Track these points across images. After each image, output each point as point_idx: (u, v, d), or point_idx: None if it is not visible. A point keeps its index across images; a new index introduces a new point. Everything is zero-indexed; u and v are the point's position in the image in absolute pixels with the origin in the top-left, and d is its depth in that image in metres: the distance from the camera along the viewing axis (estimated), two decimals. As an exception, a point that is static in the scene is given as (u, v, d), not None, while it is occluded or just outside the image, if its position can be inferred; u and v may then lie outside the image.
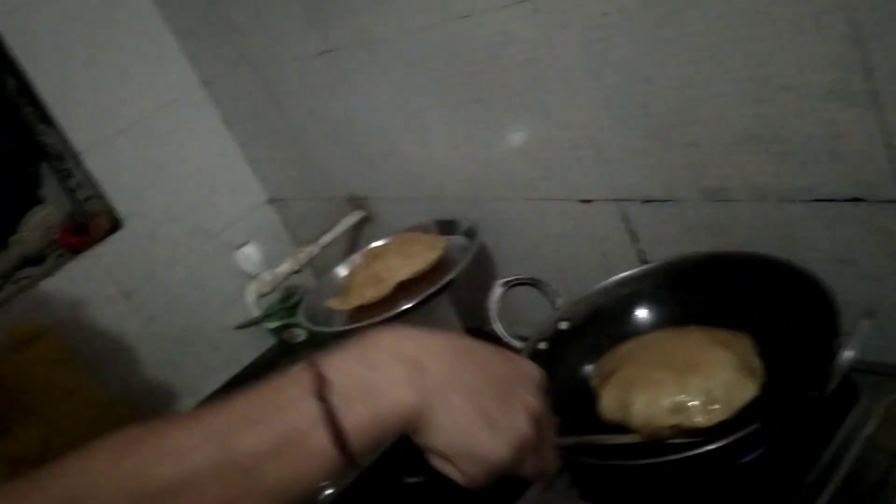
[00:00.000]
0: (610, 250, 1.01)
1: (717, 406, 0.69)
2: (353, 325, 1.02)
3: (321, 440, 0.50)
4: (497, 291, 0.87)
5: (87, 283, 1.40)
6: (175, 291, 1.50)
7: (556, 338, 0.83)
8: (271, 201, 1.61)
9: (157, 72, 1.46)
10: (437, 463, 0.56)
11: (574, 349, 0.83)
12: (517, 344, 0.84)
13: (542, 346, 0.82)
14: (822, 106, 0.72)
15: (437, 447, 0.54)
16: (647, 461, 0.66)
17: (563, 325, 0.84)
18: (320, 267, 1.44)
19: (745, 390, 0.70)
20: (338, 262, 1.29)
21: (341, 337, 1.35)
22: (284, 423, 0.50)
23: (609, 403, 0.75)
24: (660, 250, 0.93)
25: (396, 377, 0.52)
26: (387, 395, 0.52)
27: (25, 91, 1.37)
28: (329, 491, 1.35)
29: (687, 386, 0.70)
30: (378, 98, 1.18)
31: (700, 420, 0.69)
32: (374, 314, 1.02)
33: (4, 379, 1.25)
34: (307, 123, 1.37)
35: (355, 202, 1.39)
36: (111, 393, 1.38)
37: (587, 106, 0.91)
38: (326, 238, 1.35)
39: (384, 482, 1.10)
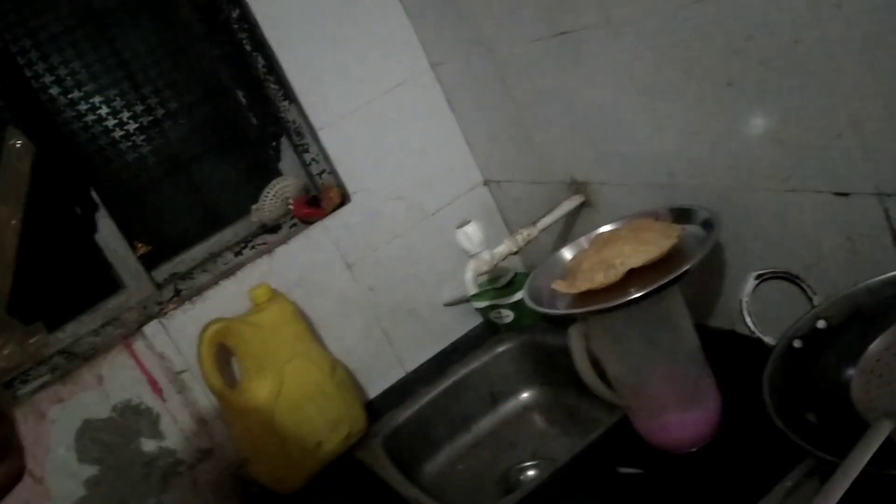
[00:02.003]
0: (865, 248, 0.94)
1: None
2: (580, 310, 1.01)
3: None
4: (750, 284, 0.83)
5: (315, 252, 1.49)
6: (393, 265, 1.56)
7: (813, 336, 0.78)
8: (487, 183, 1.63)
9: (391, 53, 1.51)
10: None
11: (832, 350, 0.78)
12: (769, 340, 0.80)
13: (797, 344, 0.78)
14: None
15: None
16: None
17: (821, 324, 0.79)
18: (531, 251, 1.44)
19: None
20: (550, 247, 1.28)
21: (553, 319, 1.35)
22: None
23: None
24: (928, 250, 0.86)
25: None
26: None
27: (272, 69, 1.47)
28: (531, 464, 1.37)
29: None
30: (611, 80, 1.16)
31: None
32: (602, 300, 1.00)
33: (243, 336, 1.35)
34: (532, 106, 1.37)
35: (575, 186, 1.38)
36: (332, 356, 1.46)
37: (855, 91, 0.85)
38: (545, 221, 1.34)
39: (596, 470, 1.09)
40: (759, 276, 0.82)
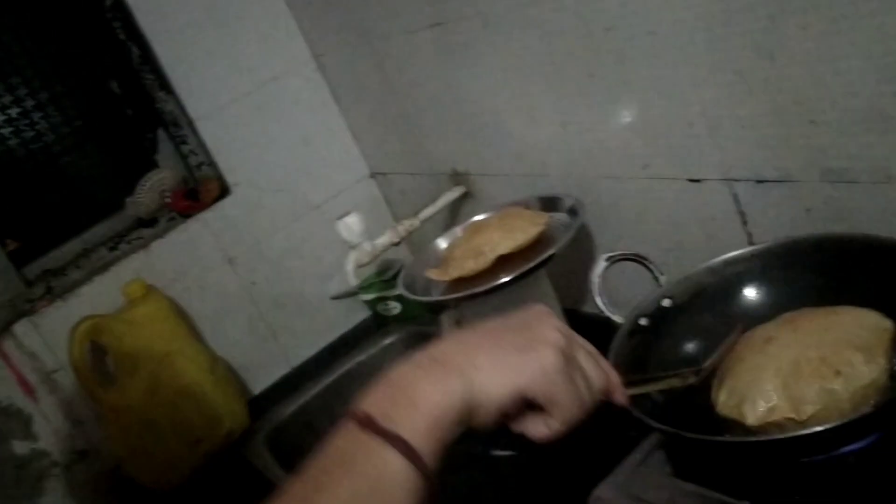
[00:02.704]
0: (717, 232, 0.99)
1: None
2: (454, 296, 1.03)
3: (394, 465, 0.50)
4: (601, 265, 0.86)
5: (194, 246, 1.46)
6: (276, 259, 1.54)
7: (659, 314, 0.82)
8: (374, 175, 1.63)
9: (271, 44, 1.50)
10: (515, 426, 0.58)
11: (676, 327, 0.81)
12: (618, 319, 0.82)
13: (644, 321, 0.81)
14: (961, 82, 0.68)
15: (491, 405, 0.54)
16: (745, 439, 0.64)
17: (667, 303, 0.83)
18: (417, 242, 1.45)
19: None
20: (436, 237, 1.29)
21: (436, 307, 1.36)
22: (358, 471, 0.51)
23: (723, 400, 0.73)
24: (770, 233, 0.90)
25: (429, 379, 0.54)
26: (431, 397, 0.53)
27: (148, 59, 1.43)
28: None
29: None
30: (486, 73, 1.18)
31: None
32: (473, 286, 1.02)
33: (116, 333, 1.31)
34: (413, 98, 1.38)
35: (457, 178, 1.40)
36: (212, 352, 1.43)
37: (706, 82, 0.89)
38: (427, 212, 1.35)
39: (472, 454, 1.11)
40: (609, 258, 0.85)
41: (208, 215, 1.47)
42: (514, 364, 0.55)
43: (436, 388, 0.53)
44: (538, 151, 1.18)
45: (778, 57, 0.80)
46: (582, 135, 1.09)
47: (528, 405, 0.57)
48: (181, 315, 1.41)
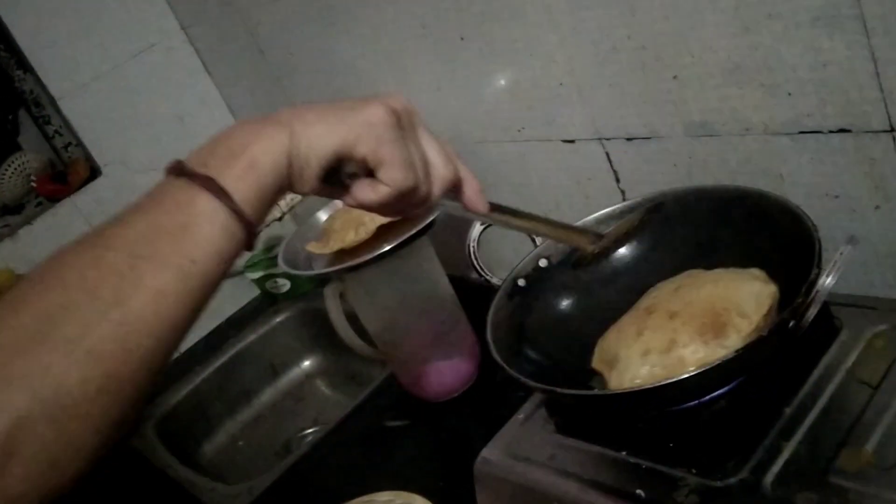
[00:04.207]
0: (593, 191, 1.00)
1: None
2: (333, 268, 1.01)
3: (203, 204, 0.49)
4: (476, 229, 0.85)
5: (65, 232, 1.38)
6: (156, 241, 1.48)
7: (536, 275, 0.82)
8: (254, 150, 1.58)
9: (134, 15, 1.43)
10: (349, 199, 0.57)
11: (552, 286, 0.82)
12: (496, 280, 0.82)
13: (521, 283, 0.81)
14: (809, 34, 0.70)
15: (315, 159, 0.53)
16: (620, 391, 0.65)
17: (543, 263, 0.83)
18: (302, 215, 1.42)
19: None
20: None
21: (322, 281, 1.34)
22: (163, 209, 0.50)
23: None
24: (643, 189, 0.92)
25: (253, 132, 0.52)
26: (251, 146, 0.52)
27: (2, 37, 1.34)
28: (312, 430, 1.36)
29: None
30: (360, 38, 1.15)
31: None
32: (355, 258, 1.00)
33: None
34: (288, 67, 1.34)
35: (338, 149, 1.37)
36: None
37: (570, 41, 0.89)
38: (309, 185, 1.32)
39: (366, 427, 1.10)
40: (483, 223, 0.85)
41: (78, 199, 1.40)
42: (342, 117, 0.54)
43: (258, 138, 0.52)
44: (417, 118, 1.17)
45: (638, 13, 0.80)
46: (458, 99, 1.08)
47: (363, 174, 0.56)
48: (55, 305, 1.34)
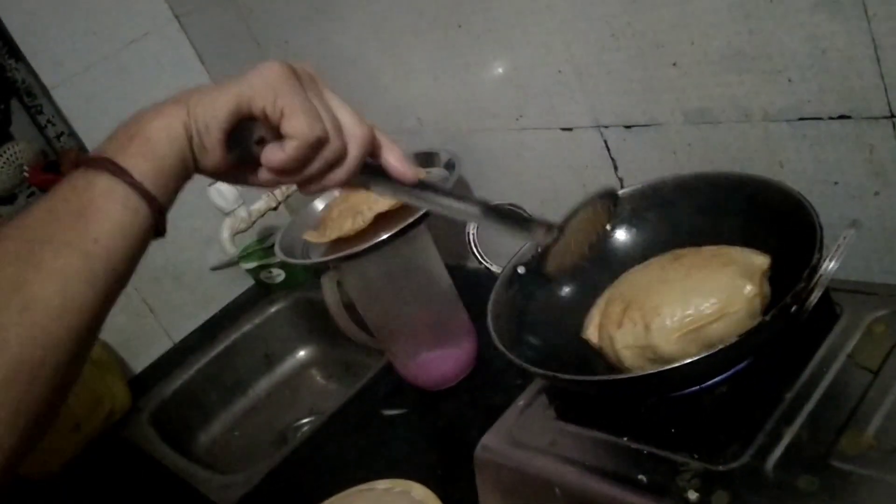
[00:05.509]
0: (591, 179, 1.00)
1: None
2: (331, 257, 1.00)
3: (101, 184, 0.50)
4: (476, 216, 0.85)
5: (59, 221, 1.37)
6: (150, 231, 1.47)
7: (536, 262, 0.82)
8: (248, 140, 1.57)
9: (127, 4, 1.42)
10: (262, 173, 0.56)
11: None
12: (496, 268, 0.82)
13: (521, 270, 0.81)
14: (809, 19, 0.70)
15: (214, 123, 0.53)
16: (623, 376, 0.65)
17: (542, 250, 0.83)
18: (296, 206, 1.41)
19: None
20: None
21: (318, 271, 1.34)
22: (61, 195, 0.51)
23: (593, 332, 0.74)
24: (641, 176, 0.91)
25: (152, 113, 0.53)
26: (148, 125, 0.52)
27: (-8, 25, 1.32)
28: (307, 420, 1.36)
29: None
30: (356, 26, 1.15)
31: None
32: (352, 246, 1.00)
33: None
34: (282, 56, 1.32)
35: (333, 139, 1.37)
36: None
37: (569, 28, 0.89)
38: (304, 174, 1.32)
39: (363, 415, 1.10)
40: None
41: (71, 189, 1.38)
42: (237, 80, 0.54)
43: (155, 117, 0.53)
44: (412, 106, 1.17)
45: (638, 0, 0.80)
46: (455, 87, 1.08)
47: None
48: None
